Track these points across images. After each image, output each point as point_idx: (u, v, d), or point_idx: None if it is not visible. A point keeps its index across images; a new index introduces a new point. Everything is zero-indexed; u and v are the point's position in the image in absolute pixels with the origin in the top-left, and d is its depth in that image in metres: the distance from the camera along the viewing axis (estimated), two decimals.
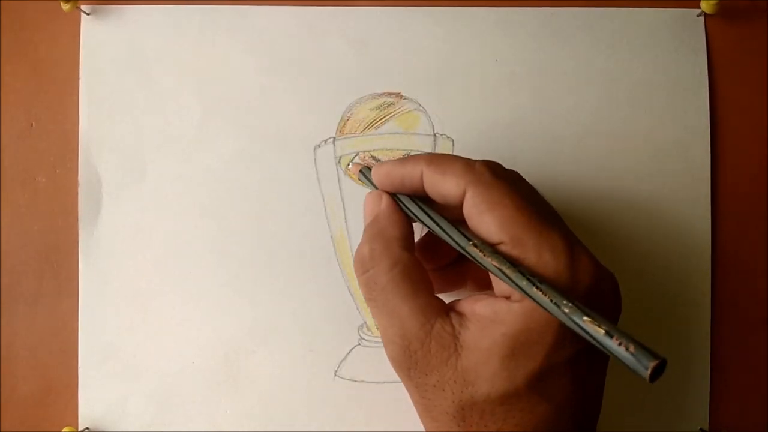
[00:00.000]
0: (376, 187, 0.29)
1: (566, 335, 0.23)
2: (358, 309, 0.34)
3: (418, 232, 0.31)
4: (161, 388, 0.34)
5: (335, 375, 0.34)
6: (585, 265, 0.24)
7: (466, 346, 0.24)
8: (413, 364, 0.25)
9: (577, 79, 0.35)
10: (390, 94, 0.35)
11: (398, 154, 0.35)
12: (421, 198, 0.28)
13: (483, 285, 0.31)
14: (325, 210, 0.35)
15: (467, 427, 0.24)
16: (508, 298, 0.24)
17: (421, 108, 0.35)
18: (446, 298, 0.28)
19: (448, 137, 0.35)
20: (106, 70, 0.35)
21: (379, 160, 0.35)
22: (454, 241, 0.26)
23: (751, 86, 0.36)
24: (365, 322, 0.34)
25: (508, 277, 0.23)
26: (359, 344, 0.34)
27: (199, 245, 0.34)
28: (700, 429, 0.34)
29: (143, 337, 0.34)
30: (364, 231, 0.28)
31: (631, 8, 0.35)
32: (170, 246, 0.34)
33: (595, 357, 0.25)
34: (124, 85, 0.35)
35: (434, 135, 0.35)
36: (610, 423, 0.34)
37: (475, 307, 0.25)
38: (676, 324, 0.35)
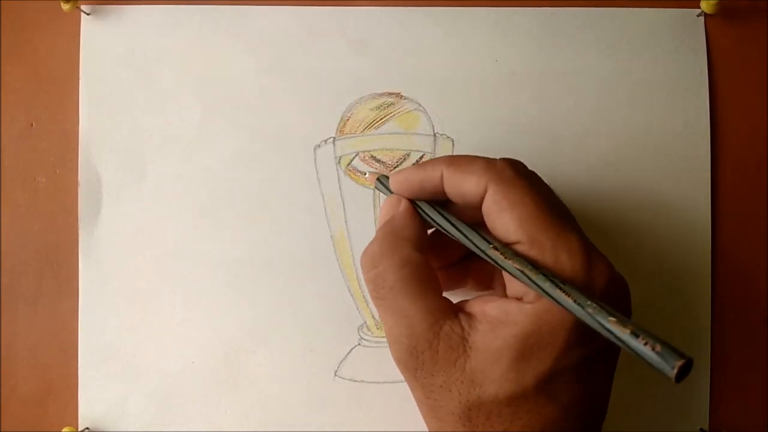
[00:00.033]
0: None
1: (576, 338, 0.23)
2: (358, 309, 0.34)
3: None
4: (161, 388, 0.34)
5: (335, 375, 0.34)
6: (600, 268, 0.24)
7: (475, 348, 0.24)
8: (420, 364, 0.25)
9: (577, 79, 0.35)
10: (390, 94, 0.35)
11: (398, 154, 0.35)
12: (439, 202, 0.28)
13: (484, 284, 0.31)
14: (325, 210, 0.35)
15: (473, 427, 0.24)
16: (519, 299, 0.24)
17: (421, 108, 0.35)
18: (447, 297, 0.28)
19: (448, 137, 0.35)
20: (106, 70, 0.35)
21: (379, 160, 0.35)
22: (474, 244, 0.25)
23: (751, 86, 0.36)
24: (365, 322, 0.34)
25: (530, 279, 0.23)
26: (359, 344, 0.34)
27: (199, 245, 0.34)
28: (700, 429, 0.34)
29: (143, 337, 0.34)
30: (378, 230, 0.28)
31: (631, 8, 0.35)
32: (170, 246, 0.34)
33: (603, 359, 0.25)
34: (124, 85, 0.35)
35: (434, 135, 0.35)
36: (611, 423, 0.33)
37: (486, 308, 0.25)
38: (676, 324, 0.35)
